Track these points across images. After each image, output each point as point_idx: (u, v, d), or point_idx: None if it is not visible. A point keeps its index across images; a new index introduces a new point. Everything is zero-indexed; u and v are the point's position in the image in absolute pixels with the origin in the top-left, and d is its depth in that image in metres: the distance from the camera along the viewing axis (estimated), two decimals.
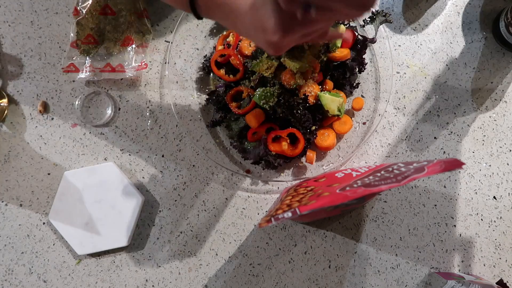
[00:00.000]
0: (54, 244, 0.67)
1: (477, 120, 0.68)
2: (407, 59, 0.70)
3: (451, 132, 0.68)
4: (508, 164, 0.67)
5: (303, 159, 0.67)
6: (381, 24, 0.66)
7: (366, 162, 0.68)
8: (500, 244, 0.65)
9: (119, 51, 0.69)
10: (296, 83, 0.62)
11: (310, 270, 0.65)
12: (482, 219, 0.65)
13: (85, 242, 0.65)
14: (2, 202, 0.68)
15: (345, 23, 0.68)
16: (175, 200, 0.67)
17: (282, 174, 0.67)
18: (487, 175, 0.66)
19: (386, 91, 0.67)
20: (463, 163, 0.39)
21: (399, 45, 0.71)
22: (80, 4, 0.68)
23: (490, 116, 0.68)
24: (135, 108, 0.70)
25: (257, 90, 0.63)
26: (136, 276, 0.66)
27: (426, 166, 0.42)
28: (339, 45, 0.65)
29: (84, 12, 0.68)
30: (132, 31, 0.69)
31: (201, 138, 0.68)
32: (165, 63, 0.70)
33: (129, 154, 0.69)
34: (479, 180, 0.66)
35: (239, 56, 0.66)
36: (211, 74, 0.70)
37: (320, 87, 0.64)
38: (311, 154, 0.65)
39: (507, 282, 0.63)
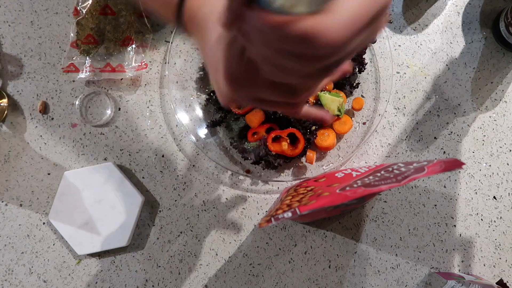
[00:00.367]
0: (54, 244, 0.67)
1: (477, 120, 0.68)
2: (407, 59, 0.70)
3: (451, 132, 0.68)
4: (508, 164, 0.67)
5: (303, 159, 0.67)
6: None
7: (366, 162, 0.68)
8: (500, 244, 0.65)
9: (119, 51, 0.69)
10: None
11: (310, 270, 0.65)
12: (482, 219, 0.65)
13: (85, 242, 0.65)
14: (2, 202, 0.68)
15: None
16: (175, 200, 0.67)
17: (282, 174, 0.67)
18: (487, 175, 0.66)
19: (386, 91, 0.67)
20: (463, 163, 0.39)
21: (399, 45, 0.71)
22: (80, 4, 0.68)
23: (490, 116, 0.68)
24: (135, 108, 0.70)
25: None
26: (136, 276, 0.66)
27: (426, 166, 0.42)
28: None
29: (84, 12, 0.68)
30: (132, 31, 0.69)
31: (201, 138, 0.68)
32: (165, 63, 0.70)
33: (129, 154, 0.69)
34: (479, 180, 0.66)
35: None
36: None
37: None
38: (311, 154, 0.65)
39: (507, 282, 0.63)
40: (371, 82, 0.69)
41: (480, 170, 0.67)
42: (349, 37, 0.23)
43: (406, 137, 0.68)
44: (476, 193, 0.66)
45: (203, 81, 0.70)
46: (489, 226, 0.65)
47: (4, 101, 0.70)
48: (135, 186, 0.67)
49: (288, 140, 0.63)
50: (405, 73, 0.70)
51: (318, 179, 0.57)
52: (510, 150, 0.67)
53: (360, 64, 0.67)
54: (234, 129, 0.66)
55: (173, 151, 0.69)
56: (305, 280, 0.65)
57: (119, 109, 0.70)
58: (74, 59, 0.68)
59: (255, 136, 0.65)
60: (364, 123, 0.68)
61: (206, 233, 0.67)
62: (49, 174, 0.69)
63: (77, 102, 0.69)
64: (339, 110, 0.63)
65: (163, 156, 0.69)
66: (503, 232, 0.65)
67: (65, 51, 0.71)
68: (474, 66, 0.69)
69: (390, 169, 0.46)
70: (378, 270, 0.64)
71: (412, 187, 0.66)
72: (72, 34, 0.68)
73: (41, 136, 0.70)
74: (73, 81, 0.71)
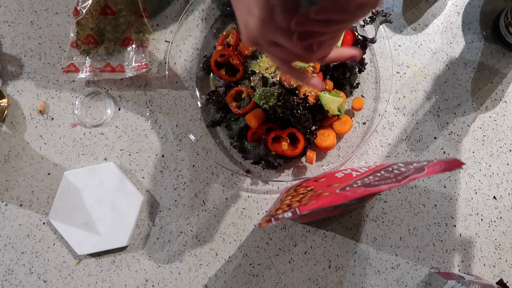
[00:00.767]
0: (54, 244, 0.67)
1: (477, 120, 0.68)
2: (407, 59, 0.70)
3: (451, 132, 0.68)
4: (508, 164, 0.67)
5: (303, 159, 0.67)
6: (381, 24, 0.66)
7: (366, 162, 0.68)
8: (500, 244, 0.65)
9: (119, 51, 0.69)
10: (296, 83, 0.62)
11: (310, 270, 0.65)
12: (482, 219, 0.65)
13: (85, 242, 0.65)
14: (2, 202, 0.68)
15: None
16: (175, 200, 0.67)
17: (282, 174, 0.67)
18: (487, 175, 0.66)
19: (386, 91, 0.67)
20: (463, 163, 0.39)
21: (399, 45, 0.71)
22: (80, 4, 0.68)
23: (490, 116, 0.68)
24: (135, 108, 0.70)
25: (257, 90, 0.63)
26: (136, 276, 0.66)
27: (426, 166, 0.42)
28: (339, 45, 0.65)
29: (84, 12, 0.68)
30: (132, 31, 0.69)
31: (201, 138, 0.68)
32: (165, 63, 0.70)
33: (129, 154, 0.69)
34: (479, 180, 0.66)
35: (239, 56, 0.66)
36: (211, 74, 0.70)
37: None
38: (311, 154, 0.65)
39: (507, 282, 0.63)
40: (371, 82, 0.69)
41: (480, 170, 0.67)
42: None
43: (406, 137, 0.68)
44: (476, 193, 0.66)
45: (203, 81, 0.70)
46: (489, 226, 0.65)
47: (4, 101, 0.70)
48: (135, 186, 0.67)
49: (288, 140, 0.63)
50: (405, 73, 0.70)
51: (318, 179, 0.57)
52: (510, 150, 0.67)
53: (360, 64, 0.67)
54: (234, 129, 0.66)
55: (173, 151, 0.69)
56: (305, 280, 0.65)
57: (119, 109, 0.70)
58: (74, 59, 0.68)
59: (255, 136, 0.65)
60: (364, 123, 0.68)
61: (206, 233, 0.67)
62: (49, 174, 0.69)
63: (77, 102, 0.69)
64: (339, 110, 0.63)
65: (163, 156, 0.69)
66: (503, 232, 0.65)
67: (65, 51, 0.71)
68: (474, 66, 0.69)
69: (390, 169, 0.46)
70: (378, 270, 0.64)
71: (412, 187, 0.66)
72: (72, 34, 0.68)
73: (41, 136, 0.70)
74: (73, 81, 0.71)
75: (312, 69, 0.63)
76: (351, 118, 0.67)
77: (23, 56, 0.71)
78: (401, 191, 0.66)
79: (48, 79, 0.71)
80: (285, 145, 0.63)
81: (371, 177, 0.45)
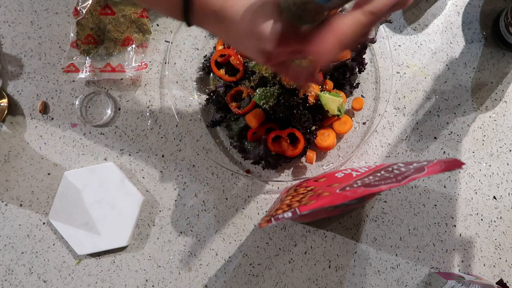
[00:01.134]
0: (54, 244, 0.67)
1: (477, 120, 0.68)
2: (407, 59, 0.70)
3: (451, 132, 0.68)
4: (508, 164, 0.67)
5: (303, 159, 0.67)
6: (381, 24, 0.66)
7: (366, 162, 0.68)
8: (500, 244, 0.65)
9: (119, 51, 0.69)
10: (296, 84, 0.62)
11: (310, 270, 0.65)
12: (482, 219, 0.65)
13: (85, 242, 0.65)
14: (2, 202, 0.68)
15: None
16: (175, 200, 0.67)
17: (282, 174, 0.67)
18: (487, 175, 0.66)
19: (386, 91, 0.67)
20: (463, 163, 0.39)
21: (399, 45, 0.71)
22: (80, 4, 0.68)
23: (490, 116, 0.68)
24: (135, 108, 0.70)
25: (257, 90, 0.63)
26: (136, 276, 0.66)
27: (426, 166, 0.42)
28: None
29: (84, 12, 0.68)
30: (132, 31, 0.69)
31: (201, 138, 0.68)
32: (165, 63, 0.70)
33: (129, 154, 0.69)
34: (479, 180, 0.66)
35: (239, 56, 0.66)
36: (211, 74, 0.70)
37: (320, 87, 0.64)
38: (311, 154, 0.65)
39: (507, 282, 0.63)
40: (371, 82, 0.69)
41: (480, 170, 0.67)
42: None
43: (406, 137, 0.68)
44: (476, 193, 0.66)
45: (203, 81, 0.70)
46: (489, 226, 0.65)
47: (4, 101, 0.70)
48: (135, 186, 0.67)
49: (288, 140, 0.63)
50: (405, 73, 0.70)
51: (318, 179, 0.57)
52: (510, 150, 0.67)
53: (360, 64, 0.67)
54: (234, 129, 0.66)
55: (173, 151, 0.69)
56: (305, 280, 0.65)
57: (119, 109, 0.70)
58: (74, 59, 0.68)
59: (255, 136, 0.65)
60: (364, 123, 0.68)
61: (206, 233, 0.67)
62: (49, 174, 0.69)
63: (77, 102, 0.69)
64: (339, 110, 0.63)
65: (163, 156, 0.69)
66: (503, 232, 0.65)
67: (65, 51, 0.71)
68: (474, 66, 0.69)
69: (390, 169, 0.46)
70: (378, 270, 0.64)
71: (412, 187, 0.66)
72: (72, 34, 0.69)
73: (41, 136, 0.70)
74: (73, 81, 0.71)
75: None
76: (351, 118, 0.67)
77: (23, 56, 0.71)
78: (401, 191, 0.66)
79: (48, 79, 0.71)
80: (285, 145, 0.63)
81: (371, 177, 0.45)
